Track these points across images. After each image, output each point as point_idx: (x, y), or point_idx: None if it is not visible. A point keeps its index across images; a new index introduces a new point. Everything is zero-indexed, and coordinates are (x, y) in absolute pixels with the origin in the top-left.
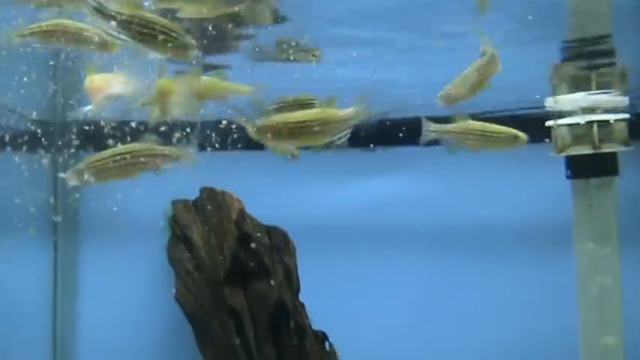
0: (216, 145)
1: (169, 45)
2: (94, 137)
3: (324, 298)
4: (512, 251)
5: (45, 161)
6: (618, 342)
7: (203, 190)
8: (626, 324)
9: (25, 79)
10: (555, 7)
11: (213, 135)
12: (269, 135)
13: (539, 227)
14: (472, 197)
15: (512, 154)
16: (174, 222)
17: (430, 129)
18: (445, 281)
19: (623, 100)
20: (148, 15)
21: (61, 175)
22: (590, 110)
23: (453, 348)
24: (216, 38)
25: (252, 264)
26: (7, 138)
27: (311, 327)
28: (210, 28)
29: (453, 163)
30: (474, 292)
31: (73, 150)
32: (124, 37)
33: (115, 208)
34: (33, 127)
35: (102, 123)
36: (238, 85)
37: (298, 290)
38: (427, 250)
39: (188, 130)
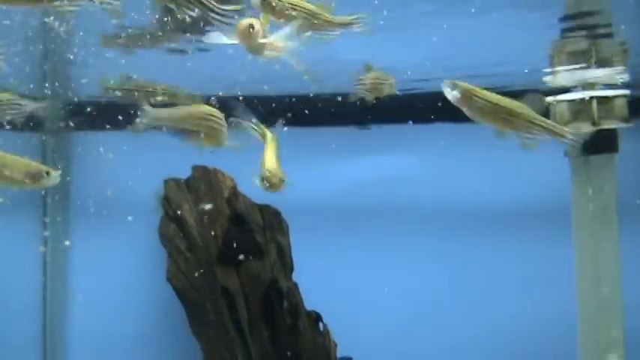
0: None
1: None
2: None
3: (318, 278)
4: (511, 230)
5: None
6: (618, 319)
7: (195, 168)
8: (627, 301)
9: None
10: None
11: None
12: None
13: (539, 205)
14: (470, 176)
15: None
16: (166, 201)
17: None
18: (442, 260)
19: (624, 76)
20: None
21: None
22: (590, 86)
23: (449, 326)
24: None
25: (244, 243)
26: None
27: (304, 307)
28: None
29: (450, 141)
30: (473, 272)
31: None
32: None
33: (107, 189)
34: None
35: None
36: None
37: (292, 270)
38: (425, 229)
39: None
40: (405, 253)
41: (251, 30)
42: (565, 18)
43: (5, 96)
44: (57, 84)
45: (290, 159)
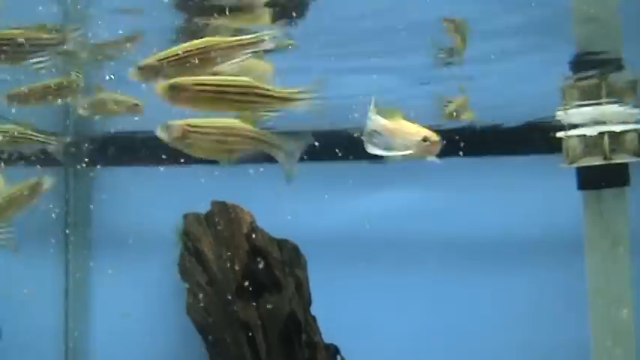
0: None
1: None
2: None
3: (336, 312)
4: (523, 263)
5: (56, 175)
6: (630, 348)
7: (214, 203)
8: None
9: None
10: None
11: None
12: None
13: (551, 238)
14: (483, 209)
15: (523, 166)
16: (185, 235)
17: None
18: (457, 293)
19: (634, 111)
20: None
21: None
22: (601, 121)
23: (463, 358)
24: None
25: (263, 277)
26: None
27: (322, 340)
28: None
29: (463, 175)
30: (489, 304)
31: (84, 164)
32: None
33: (127, 223)
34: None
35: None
36: None
37: (310, 303)
38: (439, 262)
39: None
40: (420, 286)
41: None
42: (576, 55)
43: (18, 129)
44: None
45: (306, 194)
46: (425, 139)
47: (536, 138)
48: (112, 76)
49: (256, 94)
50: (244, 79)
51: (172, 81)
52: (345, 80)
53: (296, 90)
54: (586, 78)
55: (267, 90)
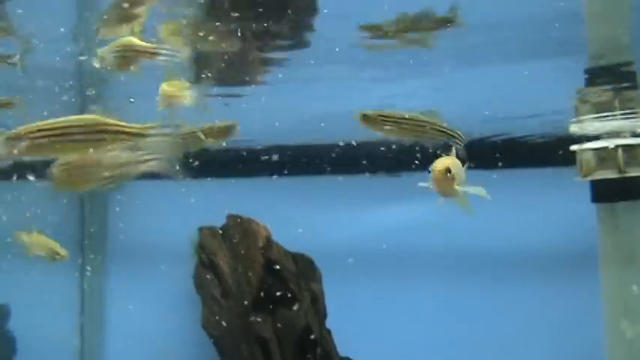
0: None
1: None
2: None
3: (351, 325)
4: (536, 275)
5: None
6: None
7: (229, 217)
8: None
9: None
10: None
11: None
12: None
13: (563, 251)
14: (496, 223)
15: (535, 179)
16: (200, 248)
17: None
18: (470, 306)
19: None
20: None
21: None
22: (615, 134)
23: None
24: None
25: (278, 291)
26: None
27: (338, 353)
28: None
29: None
30: (500, 316)
31: None
32: None
33: (143, 236)
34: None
35: None
36: None
37: (325, 317)
38: (452, 275)
39: None
40: (435, 298)
41: (448, 175)
42: (589, 69)
43: None
44: None
45: (321, 207)
46: (429, 171)
47: (549, 151)
48: (132, 100)
49: (104, 132)
50: (90, 117)
51: (8, 133)
52: (357, 93)
53: (147, 125)
54: (600, 91)
55: (117, 125)
